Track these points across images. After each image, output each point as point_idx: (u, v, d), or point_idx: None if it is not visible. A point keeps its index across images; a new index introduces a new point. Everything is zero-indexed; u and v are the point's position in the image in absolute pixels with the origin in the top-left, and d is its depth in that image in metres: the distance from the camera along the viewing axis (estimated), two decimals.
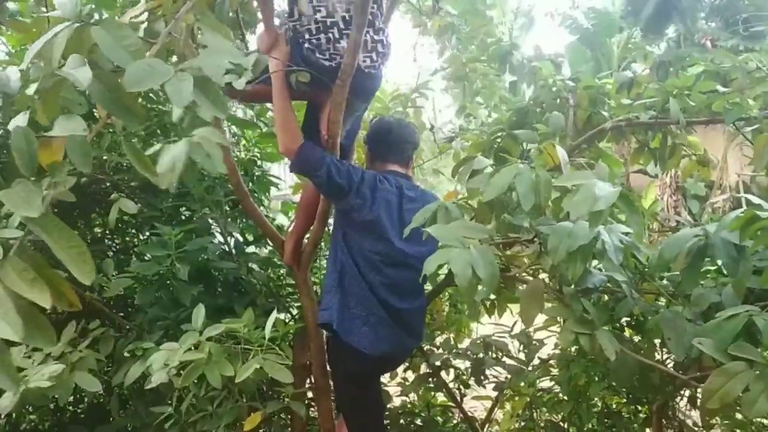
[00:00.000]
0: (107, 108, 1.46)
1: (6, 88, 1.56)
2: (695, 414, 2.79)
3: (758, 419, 2.46)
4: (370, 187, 2.49)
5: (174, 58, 2.31)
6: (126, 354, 2.58)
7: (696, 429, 2.78)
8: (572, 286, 2.05)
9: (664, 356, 2.41)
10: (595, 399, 3.03)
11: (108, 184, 3.12)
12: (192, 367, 2.22)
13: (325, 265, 3.31)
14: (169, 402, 2.52)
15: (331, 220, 2.80)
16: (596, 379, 2.80)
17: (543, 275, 2.26)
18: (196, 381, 2.30)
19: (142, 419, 2.83)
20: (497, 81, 4.52)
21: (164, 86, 1.38)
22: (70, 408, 3.27)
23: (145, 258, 2.87)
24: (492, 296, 2.75)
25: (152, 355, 2.26)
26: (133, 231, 3.55)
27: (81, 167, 1.46)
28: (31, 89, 1.42)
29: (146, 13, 2.05)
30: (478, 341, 3.10)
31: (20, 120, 1.43)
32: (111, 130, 2.73)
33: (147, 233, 3.20)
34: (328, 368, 2.78)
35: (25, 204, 1.35)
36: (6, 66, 2.05)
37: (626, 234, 1.91)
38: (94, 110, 2.81)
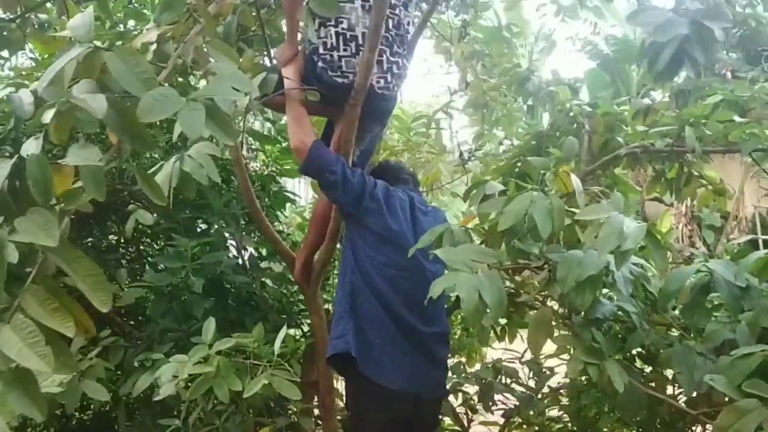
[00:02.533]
0: (119, 135, 1.49)
1: (20, 111, 1.58)
2: None
3: None
4: (383, 193, 2.39)
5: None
6: (135, 364, 2.59)
7: None
8: (581, 315, 2.04)
9: (676, 391, 2.38)
10: (605, 431, 2.99)
11: (126, 193, 3.15)
12: (200, 381, 2.23)
13: (336, 283, 3.32)
14: (177, 414, 2.53)
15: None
16: (606, 410, 2.76)
17: (552, 302, 2.25)
18: (204, 395, 2.31)
19: (149, 430, 2.84)
20: (516, 110, 4.53)
21: (177, 116, 1.41)
22: (77, 415, 3.28)
23: (159, 268, 2.89)
24: (502, 321, 2.74)
25: (161, 367, 2.28)
26: (149, 241, 3.57)
27: (94, 195, 1.49)
28: (48, 116, 1.43)
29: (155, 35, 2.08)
30: (488, 366, 3.08)
31: (33, 146, 1.44)
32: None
33: (162, 244, 3.22)
34: (352, 419, 2.48)
35: (43, 233, 1.37)
36: (19, 87, 2.09)
37: (637, 265, 1.90)
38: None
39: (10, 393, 1.31)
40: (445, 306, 2.45)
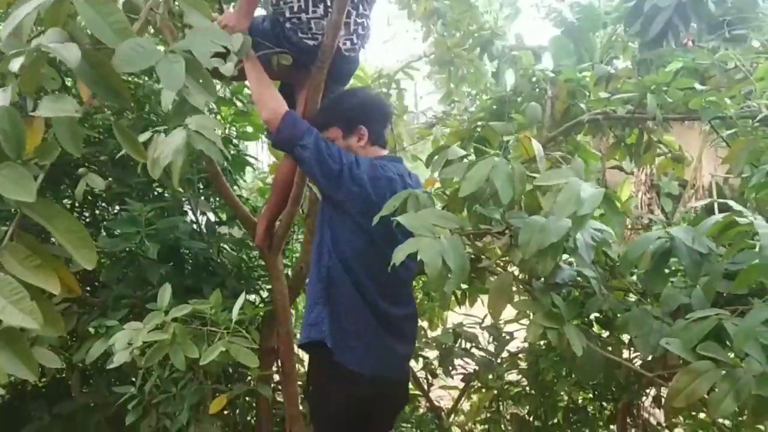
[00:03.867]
0: (93, 88, 1.41)
1: None
2: (659, 413, 2.82)
3: (720, 420, 2.49)
4: (369, 175, 2.12)
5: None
6: (89, 331, 2.53)
7: (659, 428, 2.81)
8: (542, 281, 2.05)
9: (632, 355, 2.42)
10: (562, 394, 3.04)
11: (77, 156, 3.04)
12: (156, 348, 2.18)
13: (298, 249, 3.28)
14: (133, 381, 2.48)
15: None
16: (563, 374, 2.81)
17: (513, 268, 2.25)
18: (160, 362, 2.26)
19: (104, 398, 2.79)
20: (482, 67, 4.50)
21: (155, 68, 1.34)
22: (31, 382, 3.21)
23: (114, 234, 2.81)
24: (463, 286, 2.74)
25: (115, 334, 2.22)
26: (103, 205, 3.47)
27: (71, 150, 1.42)
28: (15, 64, 1.35)
29: None
30: (449, 331, 3.10)
31: (2, 98, 1.35)
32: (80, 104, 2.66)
33: (117, 209, 3.13)
34: (311, 404, 2.40)
35: (18, 188, 1.30)
36: None
37: (598, 231, 1.91)
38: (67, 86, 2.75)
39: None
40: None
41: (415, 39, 4.54)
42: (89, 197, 3.31)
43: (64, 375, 3.11)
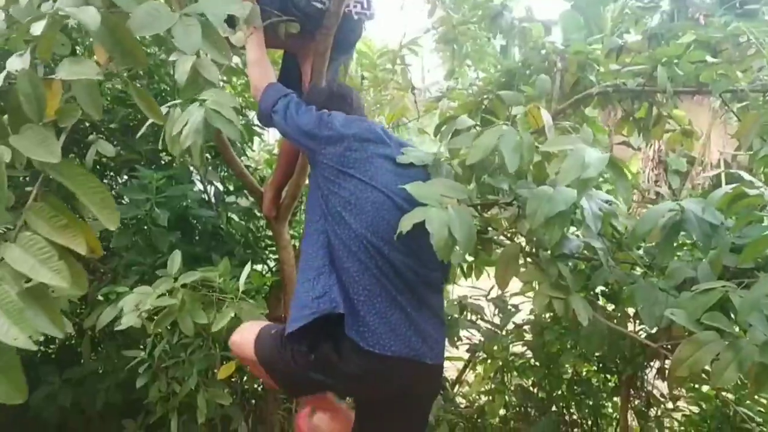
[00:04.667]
0: (110, 51, 1.43)
1: None
2: (663, 386, 2.84)
3: (723, 393, 2.51)
4: (340, 121, 1.95)
5: None
6: (100, 297, 2.56)
7: (662, 400, 2.84)
8: (548, 251, 2.05)
9: (637, 328, 2.44)
10: (566, 366, 3.07)
11: (87, 124, 3.05)
12: (165, 313, 2.21)
13: (303, 219, 3.28)
14: (142, 347, 2.51)
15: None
16: (568, 346, 2.83)
17: (520, 239, 2.26)
18: (169, 328, 2.29)
19: (113, 363, 2.83)
20: (487, 46, 4.46)
21: (171, 31, 1.36)
22: (41, 348, 3.25)
23: (123, 201, 2.83)
24: (469, 258, 2.75)
25: (124, 298, 2.25)
26: (112, 174, 3.49)
27: (91, 112, 1.44)
28: (37, 29, 1.35)
29: None
30: (454, 303, 3.11)
31: (21, 62, 1.38)
32: None
33: (125, 176, 3.14)
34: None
35: (42, 150, 1.33)
36: None
37: (606, 202, 1.91)
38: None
39: (28, 310, 1.28)
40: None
41: (421, 11, 4.46)
42: (97, 166, 3.33)
43: (73, 341, 3.15)
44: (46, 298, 1.36)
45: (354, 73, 4.02)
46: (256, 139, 3.70)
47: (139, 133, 2.64)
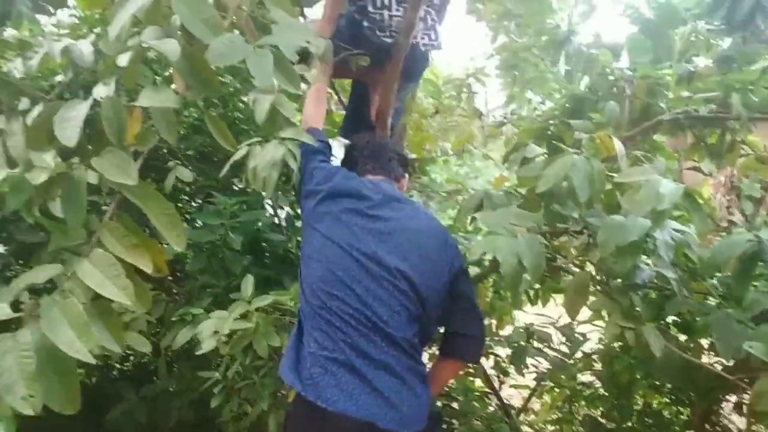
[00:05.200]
0: (189, 80, 1.50)
1: (80, 60, 1.63)
2: (739, 421, 2.74)
3: None
4: (332, 192, 1.92)
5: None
6: (174, 319, 2.65)
7: None
8: (619, 281, 2.03)
9: (711, 360, 2.37)
10: (636, 397, 3.00)
11: (165, 150, 3.19)
12: (240, 336, 2.28)
13: None
14: (216, 367, 2.59)
15: None
16: (639, 377, 2.77)
17: (589, 267, 2.24)
18: (242, 350, 2.35)
19: (188, 382, 2.93)
20: (548, 72, 4.45)
21: (246, 62, 1.42)
22: (117, 365, 3.39)
23: (197, 225, 2.94)
24: (536, 285, 2.74)
25: (203, 322, 2.33)
26: (186, 198, 3.63)
27: (167, 138, 1.53)
28: (123, 60, 1.45)
29: None
30: (521, 330, 3.09)
31: (106, 90, 1.47)
32: None
33: (200, 201, 3.27)
34: None
35: (120, 172, 1.42)
36: (78, 37, 2.13)
37: (679, 231, 1.88)
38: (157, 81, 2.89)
39: (93, 324, 1.35)
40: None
41: (486, 36, 4.49)
42: (173, 191, 3.45)
43: (149, 360, 3.27)
44: (110, 313, 1.44)
45: (421, 101, 4.09)
46: None
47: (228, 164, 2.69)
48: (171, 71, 2.76)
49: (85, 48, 1.67)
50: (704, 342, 2.34)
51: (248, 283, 2.41)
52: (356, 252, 1.78)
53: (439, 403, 3.33)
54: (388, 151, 2.13)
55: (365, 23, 2.34)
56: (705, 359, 2.36)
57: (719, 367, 2.24)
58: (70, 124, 1.40)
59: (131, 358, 3.40)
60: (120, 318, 1.51)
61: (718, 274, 2.20)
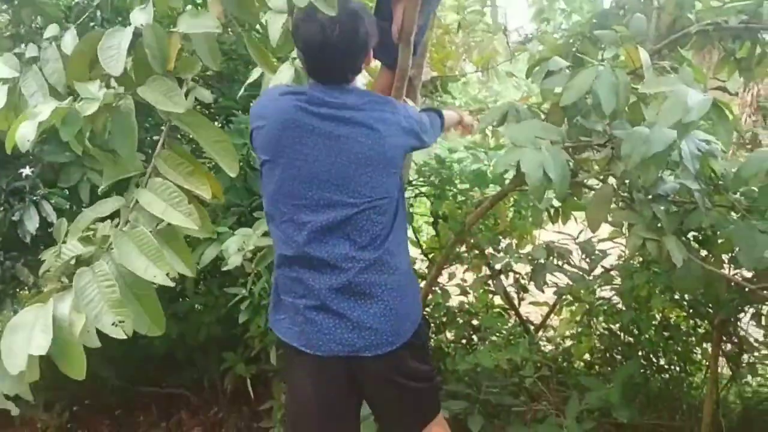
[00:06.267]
0: (225, 4, 1.48)
1: None
2: (756, 332, 2.77)
3: None
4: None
5: None
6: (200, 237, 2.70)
7: (756, 345, 2.77)
8: (642, 193, 2.03)
9: (731, 273, 2.38)
10: (655, 311, 3.03)
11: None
12: (265, 253, 2.32)
13: None
14: (242, 284, 2.64)
15: None
16: (657, 291, 2.79)
17: (611, 182, 2.24)
18: (268, 266, 2.40)
19: (215, 298, 3.00)
20: None
21: None
22: None
23: None
24: (556, 203, 2.74)
25: (228, 239, 2.37)
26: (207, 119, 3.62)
27: (210, 63, 1.52)
28: None
29: None
30: (542, 247, 3.11)
31: (143, 17, 1.44)
32: None
33: (222, 122, 3.27)
34: None
35: (169, 100, 1.40)
36: None
37: (705, 141, 1.86)
38: None
39: (163, 250, 1.38)
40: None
41: None
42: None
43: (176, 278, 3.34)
44: (177, 239, 1.46)
45: (442, 14, 3.99)
46: None
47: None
48: None
49: None
50: (725, 257, 2.34)
51: None
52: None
53: (459, 319, 3.40)
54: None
55: None
56: (725, 272, 2.37)
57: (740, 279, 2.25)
58: (114, 53, 1.38)
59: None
60: (184, 242, 1.52)
61: (741, 189, 2.19)
